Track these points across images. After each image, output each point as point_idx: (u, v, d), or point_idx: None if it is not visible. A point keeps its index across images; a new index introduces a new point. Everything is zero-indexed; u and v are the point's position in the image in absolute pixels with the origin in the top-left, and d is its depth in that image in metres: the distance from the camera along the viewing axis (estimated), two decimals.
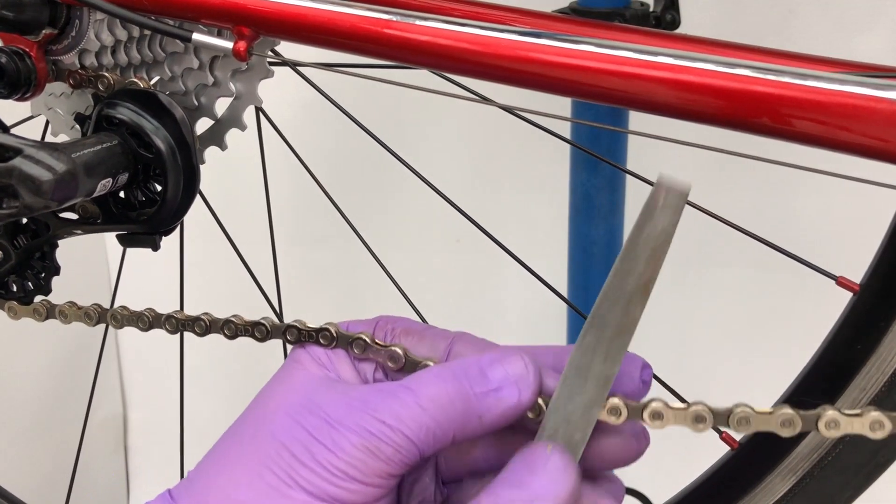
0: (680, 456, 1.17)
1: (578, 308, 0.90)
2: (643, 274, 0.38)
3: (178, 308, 0.53)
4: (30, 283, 0.56)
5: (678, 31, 0.79)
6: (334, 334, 0.45)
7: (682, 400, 0.48)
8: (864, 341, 0.51)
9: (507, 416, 0.41)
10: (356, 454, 0.39)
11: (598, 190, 0.88)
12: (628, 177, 0.88)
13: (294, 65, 0.54)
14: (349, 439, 0.39)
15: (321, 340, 0.45)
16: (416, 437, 0.39)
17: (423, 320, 0.60)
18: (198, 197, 0.55)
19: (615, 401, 0.41)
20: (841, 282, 0.52)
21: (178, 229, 0.59)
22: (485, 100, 0.54)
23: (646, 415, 0.41)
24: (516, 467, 0.40)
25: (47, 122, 0.58)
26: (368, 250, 0.64)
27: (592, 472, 0.44)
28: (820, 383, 0.53)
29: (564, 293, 0.97)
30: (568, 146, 0.88)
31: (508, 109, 0.52)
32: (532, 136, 1.14)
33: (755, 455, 0.55)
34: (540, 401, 0.42)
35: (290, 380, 0.44)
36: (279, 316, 0.65)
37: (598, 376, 0.40)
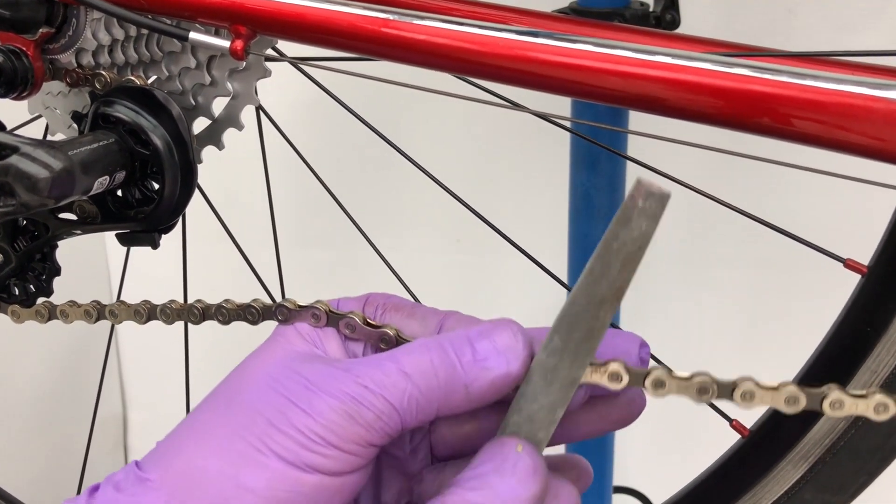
0: (680, 456, 1.17)
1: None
2: (615, 281, 0.37)
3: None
4: (31, 286, 0.56)
5: (678, 30, 0.79)
6: (324, 312, 0.44)
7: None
8: (873, 324, 0.50)
9: (497, 388, 0.39)
10: (335, 418, 0.37)
11: (598, 190, 0.87)
12: (628, 177, 0.88)
13: (294, 60, 0.54)
14: (328, 403, 0.37)
15: (311, 318, 0.44)
16: (399, 404, 0.38)
17: None
18: (197, 197, 0.55)
19: (615, 366, 0.40)
20: (849, 264, 0.51)
21: (179, 226, 0.59)
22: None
23: (647, 382, 0.40)
24: (483, 466, 0.39)
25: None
26: (375, 251, 0.64)
27: (592, 434, 0.43)
28: (830, 368, 0.53)
29: (564, 293, 0.97)
30: (567, 146, 0.88)
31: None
32: (532, 136, 1.14)
33: (766, 442, 0.55)
34: None
35: (271, 352, 0.43)
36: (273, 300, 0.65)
37: (563, 379, 0.39)
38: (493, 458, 0.39)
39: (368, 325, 0.44)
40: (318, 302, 0.45)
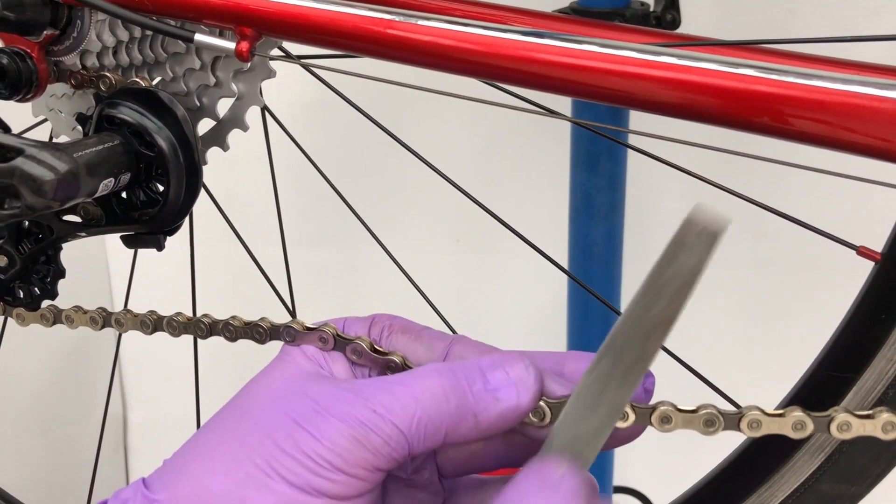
0: (681, 455, 1.17)
1: (578, 285, 0.90)
2: (666, 311, 0.36)
3: (182, 310, 0.53)
4: (36, 289, 0.56)
5: (678, 30, 0.80)
6: (332, 335, 0.44)
7: (708, 384, 0.49)
8: (888, 311, 0.50)
9: (506, 419, 0.40)
10: (342, 443, 0.37)
11: (598, 190, 0.88)
12: (628, 177, 0.88)
13: (303, 63, 0.54)
14: (336, 426, 0.37)
15: (318, 341, 0.44)
16: (407, 429, 0.38)
17: (447, 324, 0.59)
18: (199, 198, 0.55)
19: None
20: (861, 251, 0.51)
21: (189, 231, 0.59)
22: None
23: (654, 419, 0.41)
24: (527, 484, 0.38)
25: None
26: (387, 253, 0.64)
27: None
28: (846, 356, 0.53)
29: (564, 292, 0.97)
30: (567, 146, 0.88)
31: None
32: (532, 136, 1.14)
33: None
34: (542, 404, 0.41)
35: (279, 371, 0.43)
36: (292, 314, 0.65)
37: (610, 403, 0.39)
38: (538, 476, 0.38)
39: (375, 351, 0.44)
40: (325, 325, 0.45)
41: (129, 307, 0.54)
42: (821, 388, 0.53)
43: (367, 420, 0.38)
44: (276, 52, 0.55)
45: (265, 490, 0.37)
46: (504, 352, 0.42)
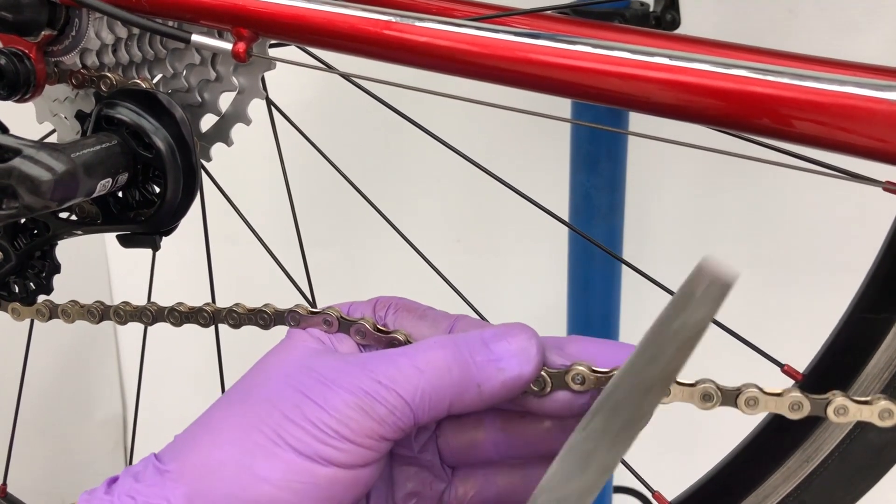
0: (683, 454, 1.17)
1: (577, 285, 0.89)
2: (669, 365, 0.35)
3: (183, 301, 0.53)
4: (31, 284, 0.56)
5: (678, 31, 0.79)
6: (336, 318, 0.45)
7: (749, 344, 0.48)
8: None
9: (508, 388, 0.40)
10: (348, 412, 0.38)
11: (598, 190, 0.88)
12: (628, 177, 0.88)
13: (301, 44, 0.53)
14: (342, 397, 0.38)
15: (323, 324, 0.45)
16: (411, 399, 0.39)
17: (469, 304, 0.58)
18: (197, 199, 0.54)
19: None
20: (888, 187, 0.50)
21: (204, 227, 0.59)
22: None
23: None
24: None
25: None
26: (413, 248, 0.64)
27: None
28: (881, 294, 0.52)
29: (564, 293, 0.97)
30: (567, 147, 0.88)
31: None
32: (532, 136, 1.14)
33: (822, 382, 0.53)
34: (543, 374, 0.41)
35: (285, 351, 0.44)
36: (312, 304, 0.64)
37: (600, 464, 0.37)
38: None
39: (379, 331, 0.45)
40: (329, 308, 0.45)
41: (125, 300, 0.53)
42: (860, 328, 0.52)
43: (371, 390, 0.38)
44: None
45: (273, 458, 0.38)
46: (506, 323, 0.43)
